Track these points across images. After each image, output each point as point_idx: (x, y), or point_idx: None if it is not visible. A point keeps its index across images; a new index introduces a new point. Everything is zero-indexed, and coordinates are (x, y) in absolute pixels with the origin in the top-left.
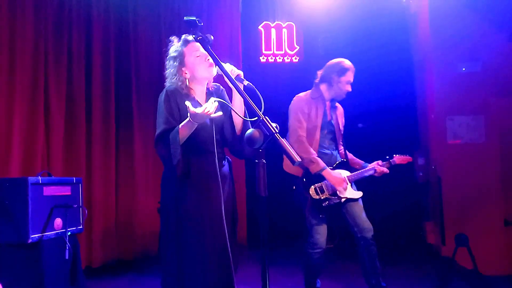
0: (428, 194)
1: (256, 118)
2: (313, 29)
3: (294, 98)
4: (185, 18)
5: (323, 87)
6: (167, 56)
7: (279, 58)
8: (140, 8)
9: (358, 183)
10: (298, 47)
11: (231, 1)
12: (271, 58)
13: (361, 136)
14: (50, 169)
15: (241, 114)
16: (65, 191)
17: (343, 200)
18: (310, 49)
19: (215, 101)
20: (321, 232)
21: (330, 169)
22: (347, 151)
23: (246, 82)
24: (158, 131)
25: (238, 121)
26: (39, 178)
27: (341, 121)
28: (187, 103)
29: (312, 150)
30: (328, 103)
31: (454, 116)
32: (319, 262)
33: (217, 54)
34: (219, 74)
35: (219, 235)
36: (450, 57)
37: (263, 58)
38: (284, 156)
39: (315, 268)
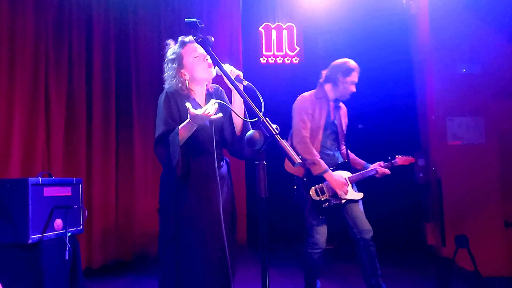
0: (428, 195)
1: (257, 119)
2: (314, 30)
3: (299, 97)
4: (186, 19)
5: (327, 87)
6: (164, 60)
7: (280, 59)
8: (140, 8)
9: (358, 184)
10: (298, 48)
11: (231, 2)
12: (272, 59)
13: (361, 137)
14: (50, 169)
15: (241, 115)
16: (66, 191)
17: (343, 201)
18: (311, 50)
19: (215, 102)
20: (321, 233)
21: (331, 170)
22: (349, 151)
23: (245, 83)
24: (157, 133)
25: (238, 122)
26: (40, 178)
27: (344, 121)
28: (188, 104)
29: (315, 152)
30: (332, 103)
31: (454, 117)
32: (318, 262)
33: (217, 55)
34: (218, 75)
35: (217, 237)
36: (450, 58)
37: (264, 59)
38: (285, 159)
39: (315, 268)
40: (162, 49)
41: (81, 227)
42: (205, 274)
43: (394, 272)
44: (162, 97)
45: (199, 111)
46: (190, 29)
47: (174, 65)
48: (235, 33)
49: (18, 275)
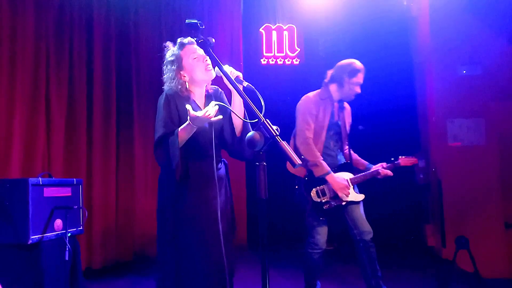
0: (428, 196)
1: (257, 120)
2: (314, 31)
3: (303, 98)
4: (187, 21)
5: (332, 87)
6: (163, 61)
7: (280, 60)
8: (141, 9)
9: (359, 184)
10: (299, 50)
11: (232, 3)
12: (272, 60)
13: (361, 138)
14: (51, 170)
15: (241, 116)
16: (66, 192)
17: (344, 203)
18: (311, 52)
19: (215, 104)
20: (322, 233)
21: (333, 171)
22: (352, 152)
23: (245, 83)
24: (157, 135)
25: (237, 123)
26: (40, 179)
27: (348, 121)
28: (188, 106)
29: (317, 153)
30: (336, 104)
31: (454, 118)
32: (319, 262)
33: (218, 55)
34: (218, 76)
35: (215, 238)
36: (451, 60)
37: (264, 60)
38: None
39: (315, 268)
40: (162, 49)
41: (81, 228)
42: (205, 275)
43: (394, 273)
44: (161, 99)
45: (199, 113)
46: (191, 30)
47: (173, 67)
48: (235, 34)
49: (18, 276)
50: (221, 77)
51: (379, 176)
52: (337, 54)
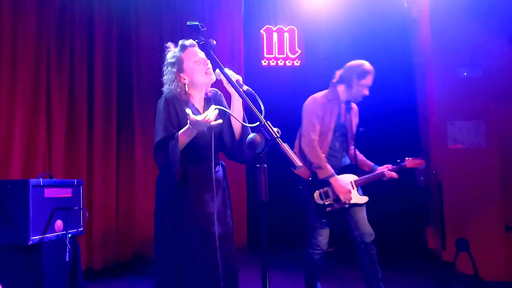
0: (428, 198)
1: (257, 123)
2: (315, 33)
3: (310, 98)
4: (188, 22)
5: (340, 88)
6: (164, 62)
7: (281, 62)
8: (142, 10)
9: (361, 186)
10: (299, 51)
11: (233, 5)
12: (273, 62)
13: (362, 140)
14: (51, 170)
15: (240, 119)
16: (66, 193)
17: (347, 206)
18: (312, 53)
19: (215, 109)
20: (324, 235)
21: (336, 172)
22: (358, 153)
23: (245, 87)
24: (157, 139)
25: (237, 126)
26: (40, 180)
27: (355, 121)
28: (188, 110)
29: (322, 156)
30: (343, 105)
31: (455, 120)
32: (319, 263)
33: (218, 57)
34: (217, 79)
35: (209, 240)
36: (451, 62)
37: (265, 62)
38: None
39: (315, 269)
40: (163, 50)
41: (82, 229)
42: (201, 276)
43: (394, 276)
44: (161, 102)
45: (199, 117)
46: (192, 32)
47: (173, 69)
48: (236, 35)
49: (18, 276)
50: (221, 80)
51: (384, 178)
52: (337, 56)
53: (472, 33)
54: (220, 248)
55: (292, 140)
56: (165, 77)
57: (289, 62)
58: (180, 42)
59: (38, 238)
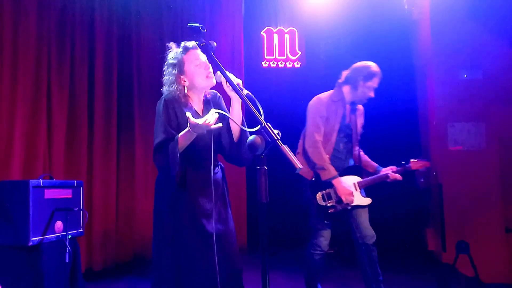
0: (428, 200)
1: (257, 128)
2: (315, 34)
3: (314, 99)
4: (188, 24)
5: (346, 88)
6: (165, 62)
7: (281, 63)
8: (143, 11)
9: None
10: (300, 52)
11: (233, 6)
12: (273, 63)
13: (362, 142)
14: (52, 171)
15: (239, 122)
16: (66, 194)
17: (349, 207)
18: (312, 55)
19: (215, 112)
20: (325, 236)
21: (340, 173)
22: (362, 154)
23: (245, 92)
24: (156, 141)
25: (235, 129)
26: (41, 181)
27: (360, 122)
28: (188, 114)
29: (325, 157)
30: (348, 106)
31: (455, 122)
32: (319, 264)
33: (219, 58)
34: (217, 82)
35: (207, 242)
36: (451, 64)
37: (265, 63)
38: (297, 156)
39: (315, 269)
40: (164, 51)
41: (82, 230)
42: (199, 277)
43: (394, 278)
44: (160, 104)
45: (199, 121)
46: (192, 33)
47: (174, 71)
48: (237, 36)
49: (18, 277)
50: (220, 82)
51: (388, 180)
52: (338, 57)
53: (472, 35)
54: (219, 249)
55: (292, 142)
56: (165, 77)
57: (289, 64)
58: (183, 43)
59: (38, 239)
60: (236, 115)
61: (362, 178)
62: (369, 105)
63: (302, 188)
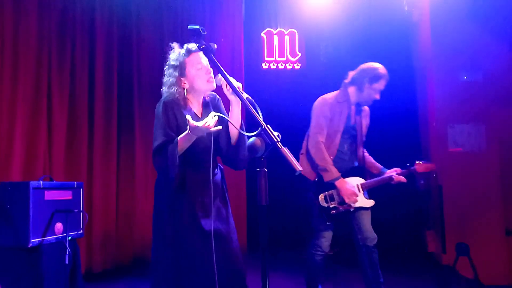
0: (429, 202)
1: (256, 132)
2: (315, 36)
3: (319, 99)
4: (189, 26)
5: (351, 89)
6: (166, 62)
7: (281, 65)
8: (143, 13)
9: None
10: (300, 54)
11: (234, 8)
12: (273, 65)
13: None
14: (52, 173)
15: (238, 126)
16: (66, 195)
17: (352, 209)
18: (312, 56)
19: (215, 115)
20: (326, 237)
21: (343, 174)
22: (367, 155)
23: (245, 96)
24: (156, 143)
25: (234, 132)
26: (41, 182)
27: (366, 123)
28: (188, 116)
29: (328, 158)
30: (353, 107)
31: (455, 124)
32: (320, 264)
33: (219, 60)
34: (217, 85)
35: (206, 244)
36: (451, 66)
37: (265, 65)
38: (300, 157)
39: (316, 270)
40: (164, 52)
41: (82, 231)
42: (202, 277)
43: (394, 279)
44: (159, 107)
45: (199, 123)
46: (193, 35)
47: (175, 73)
48: (237, 38)
49: (18, 279)
50: (220, 86)
51: (392, 182)
52: (338, 59)
53: (472, 36)
54: (219, 249)
55: (292, 143)
56: (166, 78)
57: (289, 65)
58: (186, 45)
59: (38, 240)
60: (235, 118)
61: (365, 179)
62: (369, 107)
63: (305, 189)
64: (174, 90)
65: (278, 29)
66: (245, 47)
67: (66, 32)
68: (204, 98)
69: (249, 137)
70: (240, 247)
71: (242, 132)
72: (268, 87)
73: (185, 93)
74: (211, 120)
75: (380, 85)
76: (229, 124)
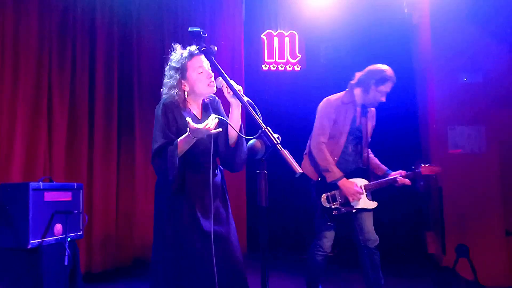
0: (428, 203)
1: (257, 135)
2: (315, 38)
3: (324, 100)
4: (189, 29)
5: (357, 91)
6: (168, 63)
7: (281, 67)
8: (144, 16)
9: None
10: (300, 56)
11: (234, 9)
12: (273, 66)
13: None
14: (52, 174)
15: (237, 128)
16: (66, 196)
17: (354, 210)
18: (312, 58)
19: (215, 117)
20: (328, 237)
21: (346, 175)
22: (372, 156)
23: (245, 99)
24: (156, 145)
25: (233, 134)
26: (40, 183)
27: (371, 124)
28: (188, 119)
29: (330, 159)
30: (358, 109)
31: (455, 126)
32: (320, 264)
33: (219, 62)
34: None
35: (206, 245)
36: (451, 67)
37: (265, 66)
38: (304, 157)
39: (316, 270)
40: (164, 53)
41: (81, 232)
42: (201, 278)
43: (394, 281)
44: (159, 109)
45: (199, 126)
46: (193, 38)
47: (176, 75)
48: (237, 39)
49: (17, 280)
50: (220, 88)
51: (396, 184)
52: (338, 61)
53: (472, 38)
54: (219, 251)
55: (291, 145)
56: (166, 80)
57: (289, 67)
58: (188, 48)
59: (38, 241)
60: (235, 120)
61: (369, 181)
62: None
63: (307, 189)
64: (174, 92)
65: (278, 31)
66: (245, 48)
67: (66, 32)
68: (203, 100)
69: (249, 139)
70: (240, 248)
71: (241, 135)
72: (268, 89)
73: (186, 96)
74: (211, 122)
75: (386, 87)
76: (229, 127)
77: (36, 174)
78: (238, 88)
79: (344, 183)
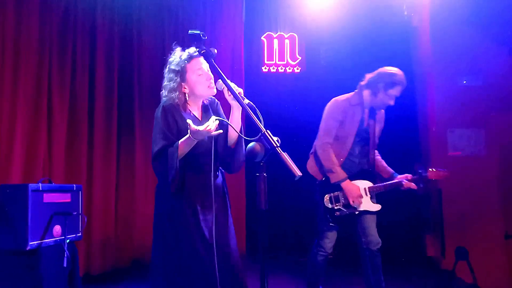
0: (428, 206)
1: (256, 137)
2: (316, 40)
3: (332, 101)
4: (189, 31)
5: (366, 93)
6: (167, 65)
7: (281, 69)
8: (144, 17)
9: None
10: (300, 58)
11: (234, 11)
12: (273, 68)
13: None
14: (52, 175)
15: (238, 130)
16: (65, 198)
17: (357, 212)
18: (312, 60)
19: (216, 119)
20: (330, 237)
21: (351, 177)
22: (379, 159)
23: (246, 101)
24: (156, 147)
25: (233, 136)
26: (40, 185)
27: (380, 126)
28: (189, 121)
29: (334, 160)
30: (366, 110)
31: (455, 128)
32: (321, 264)
33: (219, 63)
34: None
35: (207, 248)
36: (451, 71)
37: (265, 68)
38: (310, 156)
39: (318, 270)
40: (165, 54)
41: (80, 234)
42: (202, 282)
43: (393, 283)
44: (159, 112)
45: (200, 127)
46: (193, 40)
47: (176, 78)
48: (237, 41)
49: (16, 282)
50: (220, 90)
51: (402, 188)
52: (338, 63)
53: (472, 41)
54: (219, 254)
55: (291, 147)
56: (166, 82)
57: (289, 69)
58: (187, 51)
59: (37, 243)
60: (235, 122)
61: (374, 183)
62: None
63: (311, 188)
64: (174, 95)
65: (278, 33)
66: (245, 50)
67: (67, 33)
68: (203, 102)
69: (248, 142)
70: (239, 250)
71: (241, 136)
72: (268, 91)
73: (186, 98)
74: (212, 124)
75: (396, 91)
76: (230, 129)
77: (35, 175)
78: (239, 90)
79: (347, 185)
